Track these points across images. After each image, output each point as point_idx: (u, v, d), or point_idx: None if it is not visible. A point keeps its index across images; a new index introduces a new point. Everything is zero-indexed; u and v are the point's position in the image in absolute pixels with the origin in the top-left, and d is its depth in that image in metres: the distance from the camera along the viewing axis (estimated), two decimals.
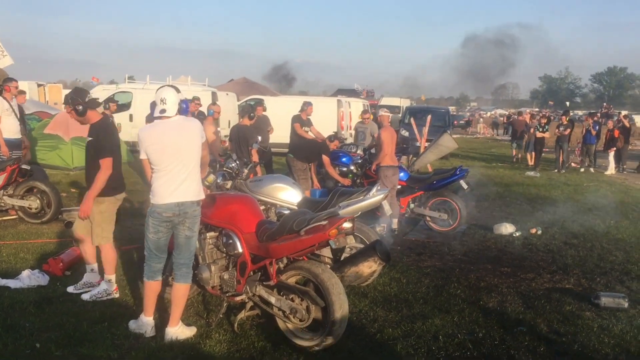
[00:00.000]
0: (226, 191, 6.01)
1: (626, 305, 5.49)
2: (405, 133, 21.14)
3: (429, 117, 15.48)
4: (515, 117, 25.58)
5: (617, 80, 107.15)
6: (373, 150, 9.57)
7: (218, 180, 6.08)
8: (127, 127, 16.12)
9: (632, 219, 10.07)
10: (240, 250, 4.65)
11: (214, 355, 4.24)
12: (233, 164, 6.36)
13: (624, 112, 29.57)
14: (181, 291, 4.57)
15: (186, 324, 4.66)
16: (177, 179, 4.37)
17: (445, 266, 6.88)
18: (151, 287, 4.58)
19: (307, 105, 11.04)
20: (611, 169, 17.84)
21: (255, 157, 8.81)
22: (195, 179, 4.50)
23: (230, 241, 4.71)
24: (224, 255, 4.90)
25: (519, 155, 21.05)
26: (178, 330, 4.53)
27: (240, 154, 8.78)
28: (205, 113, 10.82)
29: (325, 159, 9.36)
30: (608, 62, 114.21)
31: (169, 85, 4.56)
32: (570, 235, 8.68)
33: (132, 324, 4.65)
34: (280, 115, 13.85)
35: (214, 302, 5.29)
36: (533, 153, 19.11)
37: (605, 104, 36.05)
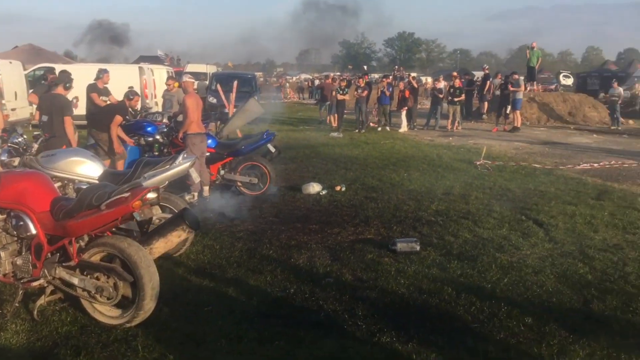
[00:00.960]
0: (13, 169, 5.43)
1: (418, 248, 6.10)
2: (212, 100, 20.97)
3: (235, 83, 15.43)
4: (323, 80, 26.68)
5: (407, 44, 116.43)
6: (179, 118, 9.31)
7: (2, 158, 5.47)
8: None
9: (422, 170, 11.15)
10: (33, 231, 4.26)
11: (10, 348, 3.88)
12: (19, 139, 5.76)
13: (413, 74, 32.35)
14: None
15: None
16: None
17: (258, 229, 7.02)
18: None
19: (102, 73, 10.35)
20: (404, 127, 19.48)
21: (69, 130, 8.01)
22: None
23: (21, 223, 4.29)
24: (15, 239, 4.44)
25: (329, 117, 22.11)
26: None
27: (51, 126, 7.95)
28: None
29: (117, 118, 8.75)
30: (398, 28, 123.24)
31: None
32: (370, 189, 9.35)
33: None
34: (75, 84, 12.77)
35: (8, 291, 4.80)
36: (335, 115, 20.16)
37: (396, 66, 38.97)
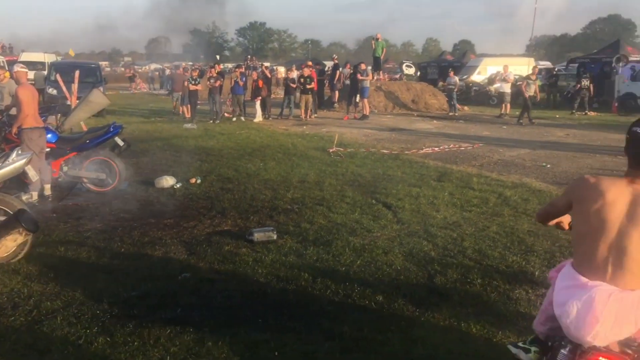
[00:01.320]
0: None
1: (275, 237, 6.16)
2: (52, 91, 19.50)
3: (77, 73, 14.44)
4: (174, 70, 25.95)
5: (259, 34, 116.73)
6: (13, 112, 8.52)
7: None
8: None
9: (277, 159, 11.26)
10: None
11: None
12: None
13: (266, 64, 32.51)
14: None
15: None
16: None
17: (108, 227, 6.66)
18: None
19: None
20: (259, 117, 19.53)
21: None
22: None
23: None
24: None
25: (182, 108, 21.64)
26: None
27: None
28: None
29: None
30: (250, 18, 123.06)
31: None
32: (226, 180, 9.27)
33: None
34: None
35: None
36: (188, 106, 19.70)
37: (249, 56, 38.84)
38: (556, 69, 33.21)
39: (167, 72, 34.50)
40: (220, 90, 19.45)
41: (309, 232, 6.46)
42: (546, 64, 49.02)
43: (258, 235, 6.11)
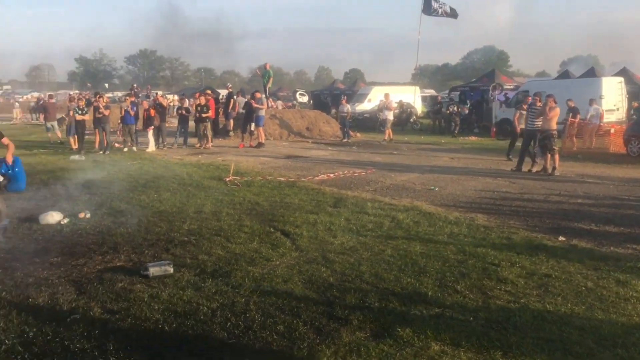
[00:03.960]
0: None
1: (172, 270, 6.00)
2: None
3: None
4: (47, 99, 24.93)
5: (150, 62, 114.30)
6: None
7: None
8: None
9: (172, 190, 10.99)
10: None
11: None
12: None
13: (159, 92, 31.83)
14: None
15: None
16: None
17: None
18: None
19: None
20: (151, 146, 19.01)
21: None
22: None
23: None
24: None
25: (58, 138, 20.99)
26: None
27: None
28: None
29: None
30: (139, 46, 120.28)
31: None
32: (118, 213, 8.91)
33: None
34: None
35: None
36: (75, 137, 18.83)
37: (135, 84, 37.82)
38: (440, 97, 35.23)
39: (41, 102, 32.78)
40: (109, 120, 18.75)
41: (207, 263, 6.35)
42: (430, 91, 51.93)
43: (153, 270, 5.92)
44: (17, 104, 44.10)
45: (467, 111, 29.14)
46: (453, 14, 30.39)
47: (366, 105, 32.31)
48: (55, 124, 21.86)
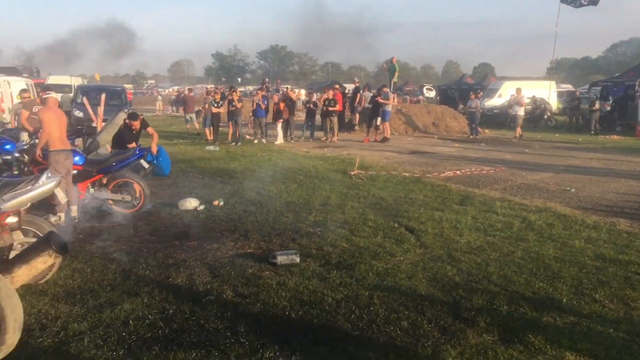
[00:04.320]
0: None
1: (298, 260, 6.17)
2: (78, 114, 19.88)
3: (103, 95, 14.71)
4: (186, 93, 26.49)
5: (280, 57, 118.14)
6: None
7: None
8: None
9: (299, 182, 11.30)
10: None
11: None
12: None
13: (287, 87, 32.81)
14: None
15: None
16: None
17: (132, 249, 6.72)
18: None
19: None
20: (280, 139, 19.66)
21: None
22: None
23: None
24: None
25: (196, 129, 22.38)
26: None
27: None
28: None
29: None
30: (271, 41, 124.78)
31: None
32: (249, 203, 9.32)
33: None
34: None
35: None
36: (211, 128, 19.92)
37: (267, 79, 39.17)
38: (578, 92, 33.04)
39: (181, 95, 34.98)
40: (241, 113, 19.65)
41: (332, 255, 6.46)
42: (567, 86, 48.76)
43: (281, 258, 6.13)
44: (159, 97, 47.58)
45: (609, 108, 27.07)
46: (593, 0, 28.33)
47: (496, 101, 31.06)
48: (193, 116, 23.34)
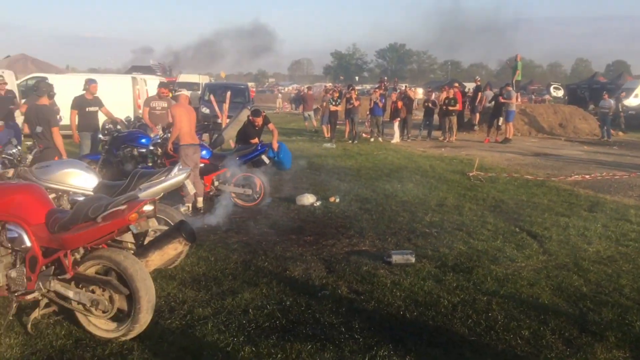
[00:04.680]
0: (7, 180, 5.39)
1: (413, 260, 6.10)
2: (205, 110, 20.99)
3: (229, 93, 15.46)
4: (305, 91, 27.05)
5: (398, 55, 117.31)
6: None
7: None
8: None
9: (415, 181, 11.17)
10: (28, 244, 4.22)
11: None
12: (14, 150, 5.72)
13: (404, 85, 32.50)
14: None
15: None
16: None
17: (252, 240, 6.99)
18: None
19: (89, 83, 10.33)
20: (396, 138, 19.54)
21: (57, 141, 7.96)
22: None
23: (16, 235, 4.25)
24: (9, 251, 4.40)
25: (313, 127, 22.88)
26: None
27: (39, 137, 7.93)
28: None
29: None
30: (390, 39, 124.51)
31: None
32: (364, 200, 9.36)
33: None
34: (66, 94, 12.66)
35: (2, 304, 4.76)
36: (328, 125, 20.22)
37: (385, 77, 38.96)
38: None
39: (300, 93, 35.78)
40: (358, 111, 19.76)
41: (448, 257, 6.32)
42: None
43: (396, 258, 6.09)
44: (279, 94, 49.05)
45: None
46: None
47: (632, 101, 28.76)
48: (312, 113, 23.82)
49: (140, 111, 17.26)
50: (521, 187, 10.68)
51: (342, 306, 4.88)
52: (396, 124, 19.71)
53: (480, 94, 22.58)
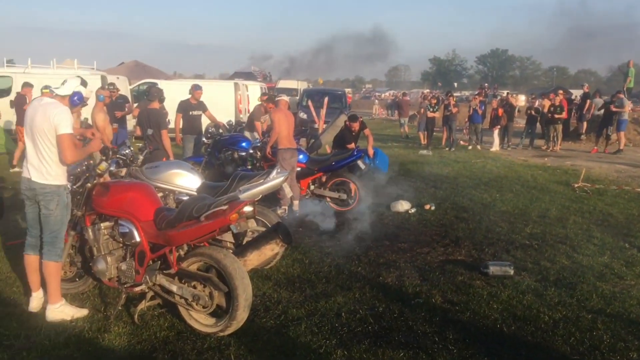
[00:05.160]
0: (120, 179, 5.77)
1: (512, 272, 5.89)
2: (303, 115, 21.39)
3: (326, 99, 15.65)
4: (401, 97, 26.86)
5: (500, 61, 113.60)
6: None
7: (111, 168, 5.81)
8: (8, 114, 14.89)
9: (515, 191, 10.77)
10: (137, 239, 4.51)
11: (113, 349, 4.10)
12: (127, 151, 6.11)
13: (506, 92, 31.45)
14: (46, 268, 4.59)
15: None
16: (29, 156, 4.55)
17: (346, 245, 7.03)
18: (25, 261, 4.74)
19: (194, 89, 10.81)
20: (496, 146, 18.94)
21: (166, 142, 8.46)
22: (42, 160, 4.50)
23: (127, 230, 4.56)
24: (121, 245, 4.73)
25: (405, 133, 23.23)
26: (58, 308, 4.57)
27: (149, 139, 8.47)
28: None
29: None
30: (491, 45, 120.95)
31: (79, 76, 4.82)
32: (460, 209, 9.15)
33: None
34: (173, 99, 13.36)
35: (112, 295, 5.10)
36: (425, 132, 19.95)
37: (486, 84, 37.85)
38: None
39: (396, 99, 35.56)
40: (456, 118, 19.35)
41: (550, 271, 6.04)
42: None
43: (494, 269, 5.91)
44: (376, 101, 49.03)
45: None
46: None
47: None
48: (406, 119, 23.66)
49: (242, 115, 17.95)
50: (632, 201, 10.00)
51: (435, 315, 4.80)
52: (496, 132, 19.11)
53: (588, 101, 21.38)
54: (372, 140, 10.26)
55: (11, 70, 17.14)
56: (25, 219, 4.84)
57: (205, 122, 11.26)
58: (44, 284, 4.67)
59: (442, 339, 4.34)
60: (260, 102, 13.15)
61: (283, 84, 35.13)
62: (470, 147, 19.11)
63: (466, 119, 20.45)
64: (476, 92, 25.63)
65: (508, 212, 8.97)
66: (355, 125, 10.25)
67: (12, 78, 16.53)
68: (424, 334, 4.43)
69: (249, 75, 34.46)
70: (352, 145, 9.93)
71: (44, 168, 4.48)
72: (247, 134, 11.74)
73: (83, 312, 4.64)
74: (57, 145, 4.46)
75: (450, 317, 4.78)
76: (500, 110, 19.22)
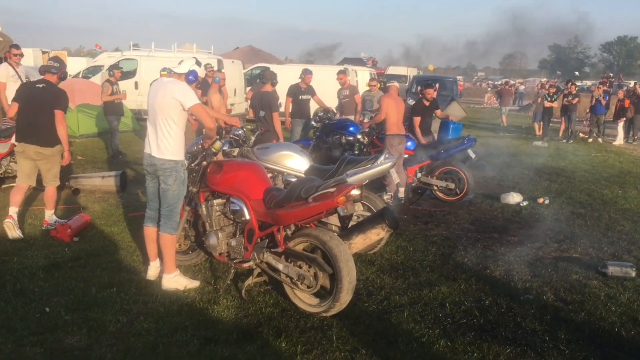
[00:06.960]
0: (233, 158, 5.97)
1: (634, 274, 5.48)
2: (411, 102, 21.05)
3: (436, 85, 15.28)
4: (503, 86, 25.80)
5: (628, 50, 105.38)
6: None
7: (225, 148, 6.02)
8: (133, 95, 15.97)
9: None
10: (247, 217, 4.65)
11: (221, 321, 4.27)
12: (240, 132, 6.30)
13: (634, 82, 29.14)
14: (163, 240, 4.83)
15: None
16: (150, 132, 4.79)
17: (452, 235, 6.87)
18: (144, 232, 5.03)
19: (305, 74, 10.93)
20: (620, 139, 17.69)
21: (277, 125, 8.69)
22: (162, 136, 4.71)
23: (238, 208, 4.71)
24: (231, 222, 4.91)
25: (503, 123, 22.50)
26: (173, 278, 4.83)
27: (261, 121, 8.74)
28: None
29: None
30: (618, 32, 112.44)
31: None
32: (577, 205, 8.64)
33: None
34: (287, 83, 13.63)
35: (222, 269, 5.32)
36: (541, 123, 18.99)
37: (611, 74, 35.22)
38: None
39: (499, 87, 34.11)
40: (576, 108, 18.23)
41: None
42: None
43: (613, 269, 5.52)
44: (488, 89, 47.29)
45: None
46: None
47: None
48: (507, 109, 23.07)
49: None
50: None
51: (546, 313, 4.56)
52: (621, 124, 17.83)
53: None
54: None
55: (136, 54, 18.35)
56: (145, 192, 5.16)
57: (313, 106, 11.39)
58: (161, 255, 4.95)
59: (553, 338, 4.11)
60: (368, 88, 13.12)
61: (392, 70, 34.78)
62: (590, 140, 17.98)
63: (587, 110, 19.22)
64: (599, 82, 24.01)
65: (631, 210, 8.35)
66: (431, 92, 9.83)
67: (138, 61, 17.69)
68: (533, 332, 4.22)
69: (358, 61, 34.44)
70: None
71: (163, 144, 4.71)
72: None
73: (195, 284, 4.88)
74: (188, 118, 4.82)
75: (563, 317, 4.53)
76: (627, 102, 17.89)
